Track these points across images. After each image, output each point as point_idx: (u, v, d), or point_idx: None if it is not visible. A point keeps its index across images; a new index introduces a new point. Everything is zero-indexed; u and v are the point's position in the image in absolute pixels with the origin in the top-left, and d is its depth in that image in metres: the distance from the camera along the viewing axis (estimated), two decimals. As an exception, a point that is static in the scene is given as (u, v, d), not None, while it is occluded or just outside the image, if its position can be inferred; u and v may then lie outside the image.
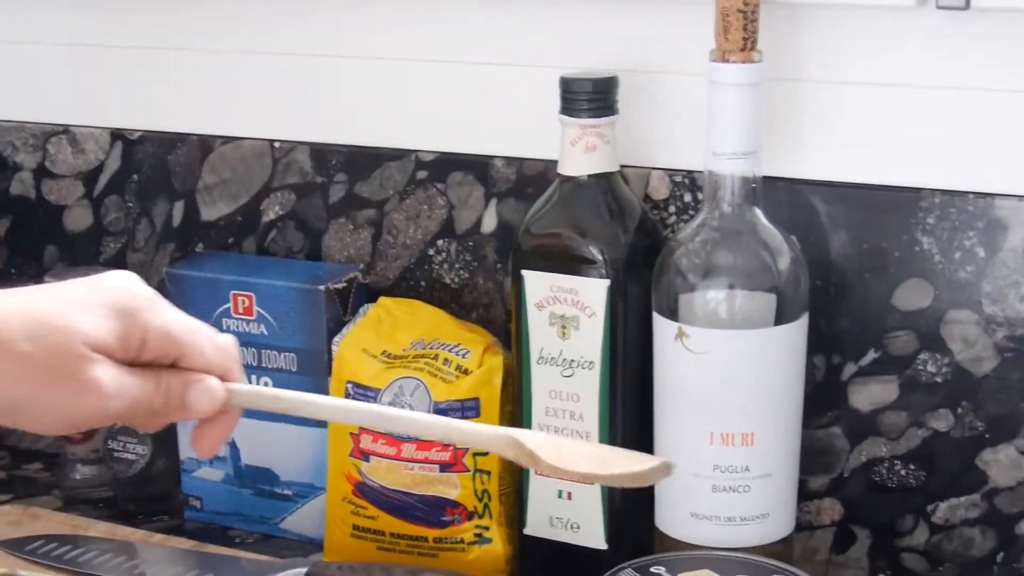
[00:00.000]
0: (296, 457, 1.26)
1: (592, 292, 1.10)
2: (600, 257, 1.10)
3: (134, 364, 0.82)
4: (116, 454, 1.33)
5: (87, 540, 1.19)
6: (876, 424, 1.14)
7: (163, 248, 1.38)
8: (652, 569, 1.05)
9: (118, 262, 1.39)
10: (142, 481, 1.33)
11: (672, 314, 1.08)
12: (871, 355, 1.14)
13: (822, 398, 1.15)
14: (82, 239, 1.41)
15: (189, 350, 0.83)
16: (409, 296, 1.26)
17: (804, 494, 1.15)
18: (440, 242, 1.27)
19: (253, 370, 1.26)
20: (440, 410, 1.15)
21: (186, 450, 1.31)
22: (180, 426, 1.30)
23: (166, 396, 0.82)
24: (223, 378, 0.85)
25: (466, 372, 1.16)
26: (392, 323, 1.21)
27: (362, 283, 1.26)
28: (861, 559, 1.16)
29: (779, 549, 1.10)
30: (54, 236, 1.43)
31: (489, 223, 1.25)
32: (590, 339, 1.11)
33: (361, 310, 1.23)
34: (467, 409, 1.15)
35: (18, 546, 1.19)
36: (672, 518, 1.11)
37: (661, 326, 1.09)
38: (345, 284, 1.24)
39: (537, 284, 1.12)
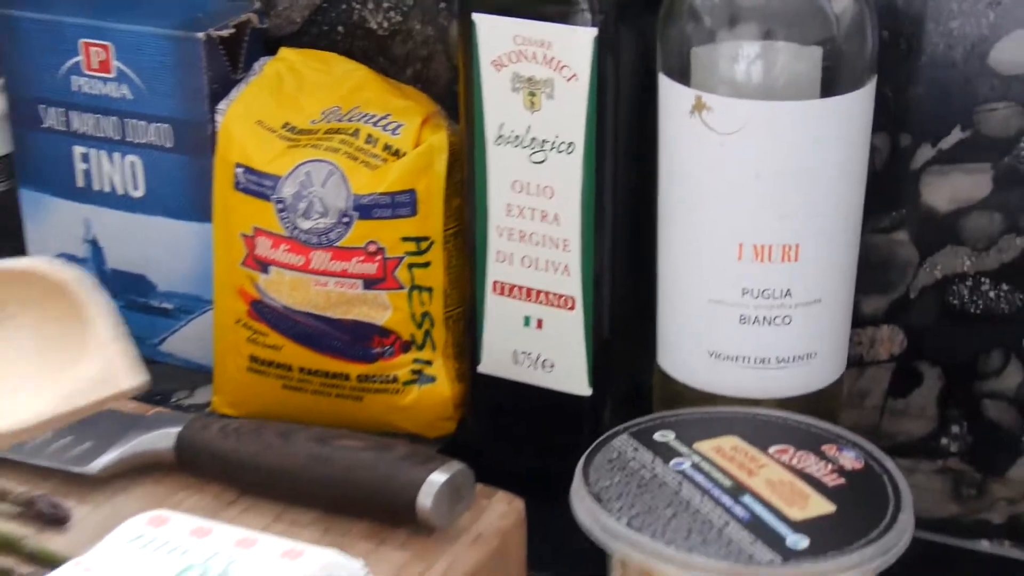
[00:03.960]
0: (178, 261, 0.96)
1: (572, 45, 0.79)
2: (585, -5, 0.78)
3: None
4: (-55, 252, 1.02)
5: None
6: (958, 229, 0.85)
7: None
8: (656, 436, 0.76)
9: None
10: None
11: (686, 77, 0.77)
12: (956, 135, 0.83)
13: (884, 192, 0.85)
14: None
15: None
16: (320, 47, 0.94)
17: (854, 319, 0.85)
18: (364, -27, 0.95)
19: (116, 145, 0.94)
20: (363, 206, 0.84)
21: (35, 247, 1.01)
22: (26, 217, 1.00)
23: None
24: None
25: (397, 154, 0.85)
26: (297, 84, 0.90)
27: (258, 29, 0.94)
28: (928, 406, 0.88)
29: (826, 398, 0.81)
30: None
31: (430, -53, 0.93)
32: (570, 111, 0.80)
33: (256, 66, 0.92)
34: (399, 206, 0.84)
35: None
36: (682, 357, 0.81)
37: (672, 95, 0.78)
38: (234, 30, 0.92)
39: (495, 34, 0.80)
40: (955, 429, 0.88)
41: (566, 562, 0.82)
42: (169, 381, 0.97)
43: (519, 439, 0.87)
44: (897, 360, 0.88)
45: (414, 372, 0.87)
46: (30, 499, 0.77)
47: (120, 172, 0.95)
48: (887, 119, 0.83)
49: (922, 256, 0.86)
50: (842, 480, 0.73)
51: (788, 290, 0.78)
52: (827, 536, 0.69)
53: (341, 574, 0.65)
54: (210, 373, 0.94)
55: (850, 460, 0.74)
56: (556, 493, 0.80)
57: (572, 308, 0.83)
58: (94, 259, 0.98)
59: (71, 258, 0.99)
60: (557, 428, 0.85)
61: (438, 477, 0.75)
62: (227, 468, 0.79)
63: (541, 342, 0.84)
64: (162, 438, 0.80)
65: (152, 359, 0.99)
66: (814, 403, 0.80)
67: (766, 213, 0.77)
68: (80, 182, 0.96)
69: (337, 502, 0.76)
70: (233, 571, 0.64)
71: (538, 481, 0.81)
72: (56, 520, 0.77)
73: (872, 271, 0.86)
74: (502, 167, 0.82)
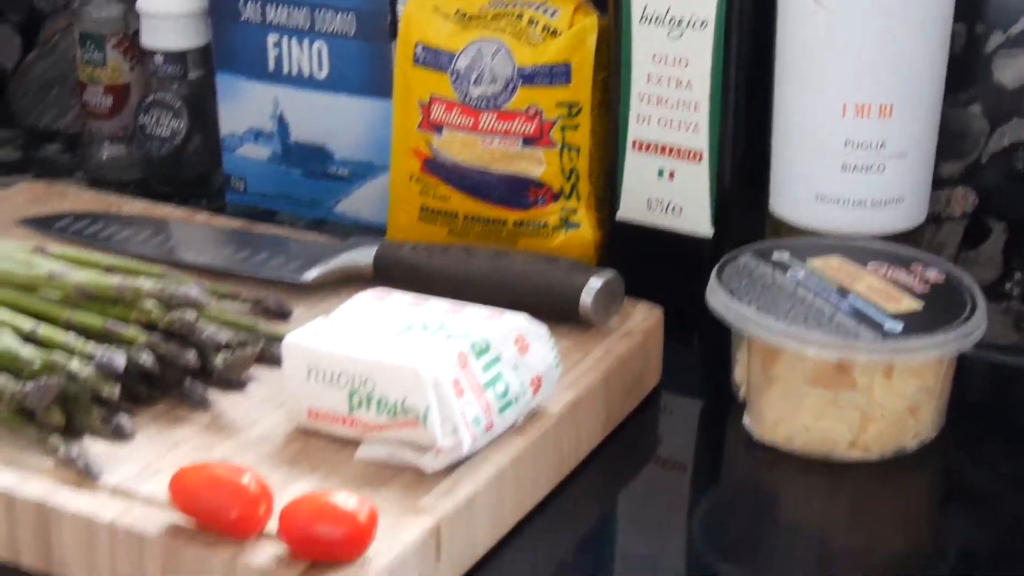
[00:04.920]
0: (353, 132, 1.13)
1: (709, -62, 0.95)
2: None
3: None
4: (148, 130, 1.19)
5: (122, 218, 1.06)
6: (1023, 104, 1.00)
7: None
8: (775, 255, 0.93)
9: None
10: (177, 160, 1.19)
11: (802, -35, 0.94)
12: (1022, 23, 0.99)
13: (961, 72, 1.01)
14: None
15: None
16: (483, -48, 1.10)
17: (933, 182, 1.01)
18: None
19: (305, 34, 1.11)
20: (526, 76, 1.01)
21: (228, 124, 1.17)
22: (220, 98, 1.16)
23: None
24: None
25: (554, 33, 1.01)
26: (467, -22, 1.06)
27: (430, -65, 1.10)
28: (994, 256, 1.04)
29: (911, 239, 0.97)
30: None
31: None
32: (705, -7, 0.96)
33: (431, -36, 1.08)
34: (556, 75, 1.01)
35: (45, 224, 1.05)
36: (791, 201, 0.98)
37: (790, -23, 0.94)
38: (412, -66, 1.09)
39: (644, -71, 0.97)
40: (1017, 275, 1.04)
41: (690, 379, 0.98)
42: (343, 237, 1.13)
43: (649, 276, 1.03)
44: (969, 217, 1.04)
45: (562, 219, 1.03)
46: (258, 299, 0.94)
47: (307, 56, 1.12)
48: (965, 10, 0.99)
49: (992, 126, 1.02)
50: (928, 288, 0.89)
51: (883, 142, 0.94)
52: (917, 324, 0.85)
53: (531, 334, 0.82)
54: (379, 229, 1.11)
55: (934, 274, 0.91)
56: (681, 320, 0.96)
57: (700, 160, 0.99)
58: (280, 133, 1.15)
59: (259, 133, 1.16)
60: (682, 266, 1.02)
61: (596, 281, 0.91)
62: (417, 278, 0.95)
63: (672, 191, 1.01)
64: (362, 255, 0.97)
65: (327, 219, 1.16)
66: (901, 243, 0.97)
67: (866, 77, 0.93)
68: (271, 66, 1.13)
69: (512, 304, 0.92)
70: (448, 326, 0.81)
71: (666, 307, 0.97)
72: (280, 314, 0.93)
73: (949, 140, 1.01)
74: (644, 43, 0.99)
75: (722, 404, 0.93)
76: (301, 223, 1.16)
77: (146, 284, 0.86)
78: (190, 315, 0.85)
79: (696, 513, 0.85)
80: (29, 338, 0.84)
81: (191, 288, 0.86)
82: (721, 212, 1.00)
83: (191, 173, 1.20)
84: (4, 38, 1.35)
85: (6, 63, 1.35)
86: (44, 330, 0.84)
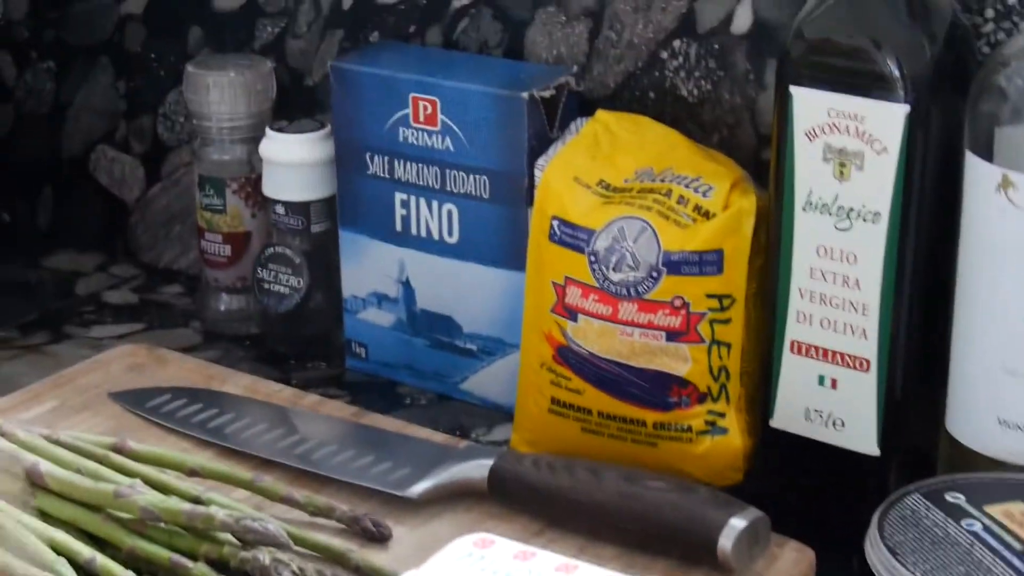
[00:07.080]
0: (484, 305, 1.02)
1: (884, 120, 0.83)
2: (898, 73, 0.82)
3: None
4: (265, 285, 1.09)
5: (222, 398, 0.96)
6: None
7: (330, 36, 1.13)
8: (947, 496, 0.80)
9: (275, 49, 1.15)
10: (296, 319, 1.09)
11: (991, 154, 0.81)
12: None
13: None
14: (233, 21, 1.17)
15: None
16: (632, 110, 0.99)
17: None
18: (676, 43, 1.00)
19: (435, 194, 1.01)
20: (672, 262, 0.89)
21: (350, 285, 1.07)
22: (343, 257, 1.06)
23: None
24: None
25: (707, 215, 0.90)
26: (612, 144, 0.95)
27: (574, 91, 0.99)
28: None
29: (1112, 473, 0.84)
30: (200, 16, 1.18)
31: (742, 20, 0.98)
32: (878, 182, 0.84)
33: (572, 126, 0.97)
34: (706, 264, 0.89)
35: (138, 401, 0.96)
36: (970, 423, 0.85)
37: (977, 171, 0.81)
38: (553, 92, 0.98)
39: (810, 106, 0.85)
40: None
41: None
42: (468, 418, 1.02)
43: (805, 493, 0.90)
44: None
45: (708, 423, 0.91)
46: (355, 517, 0.83)
47: (437, 219, 1.01)
48: None
49: None
50: None
51: (1083, 364, 0.81)
52: (1117, 602, 0.72)
53: (654, 605, 0.70)
54: (507, 413, 1.00)
55: None
56: (838, 548, 0.84)
57: (867, 370, 0.86)
58: (405, 299, 1.04)
59: (383, 297, 1.05)
60: (843, 486, 0.89)
61: (739, 521, 0.79)
62: (537, 499, 0.84)
63: (834, 401, 0.88)
64: (477, 468, 0.86)
65: (452, 396, 1.05)
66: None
67: (1066, 289, 0.80)
68: (398, 226, 1.03)
69: (641, 539, 0.80)
70: (555, 594, 0.69)
71: (821, 535, 0.85)
72: (379, 538, 0.83)
73: None
74: (808, 232, 0.86)
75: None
76: (424, 398, 1.05)
77: (219, 513, 0.76)
78: (265, 556, 0.74)
79: None
80: (85, 569, 0.74)
81: (269, 523, 0.75)
82: (890, 429, 0.87)
83: (310, 333, 1.10)
84: (128, 169, 1.26)
85: (128, 196, 1.27)
86: (102, 561, 0.75)
